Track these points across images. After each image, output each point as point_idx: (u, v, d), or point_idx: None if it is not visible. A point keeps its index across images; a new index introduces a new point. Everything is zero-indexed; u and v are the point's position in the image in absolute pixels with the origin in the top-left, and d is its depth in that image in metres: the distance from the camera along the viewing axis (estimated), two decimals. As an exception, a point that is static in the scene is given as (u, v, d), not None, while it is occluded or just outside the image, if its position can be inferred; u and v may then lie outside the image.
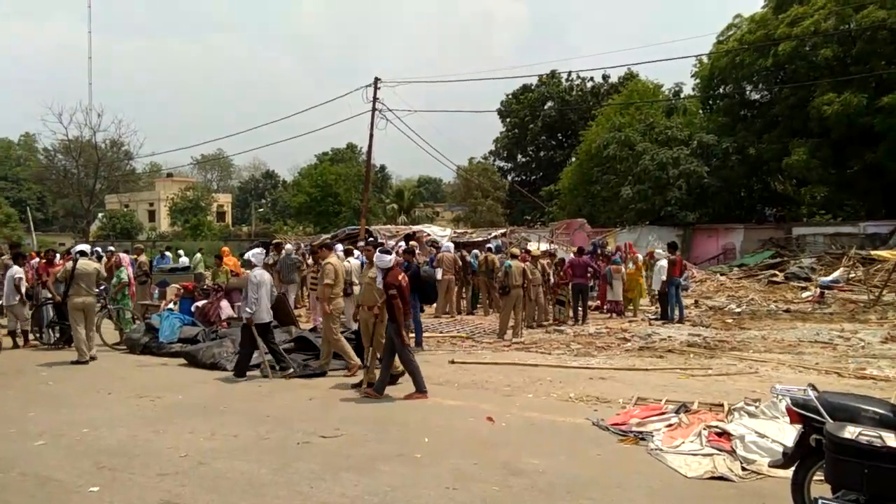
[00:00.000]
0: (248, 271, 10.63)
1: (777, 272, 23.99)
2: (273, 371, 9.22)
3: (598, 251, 20.87)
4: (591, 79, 47.91)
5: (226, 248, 18.40)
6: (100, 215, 55.55)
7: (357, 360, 9.29)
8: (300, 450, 5.96)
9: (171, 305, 13.87)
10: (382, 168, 65.39)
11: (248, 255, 10.75)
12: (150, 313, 12.92)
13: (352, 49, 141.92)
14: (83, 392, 8.50)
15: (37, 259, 15.04)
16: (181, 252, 24.03)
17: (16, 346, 12.10)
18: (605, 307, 16.73)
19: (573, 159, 41.13)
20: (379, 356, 8.41)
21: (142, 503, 4.70)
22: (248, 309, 9.18)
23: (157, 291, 16.92)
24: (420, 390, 8.00)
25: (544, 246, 23.89)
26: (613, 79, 46.34)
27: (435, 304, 15.38)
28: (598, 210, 34.76)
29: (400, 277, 8.20)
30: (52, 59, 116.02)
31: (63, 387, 8.86)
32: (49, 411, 7.41)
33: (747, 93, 32.96)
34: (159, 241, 43.35)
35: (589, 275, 15.50)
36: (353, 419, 6.99)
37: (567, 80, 48.02)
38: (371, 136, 28.07)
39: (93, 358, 10.56)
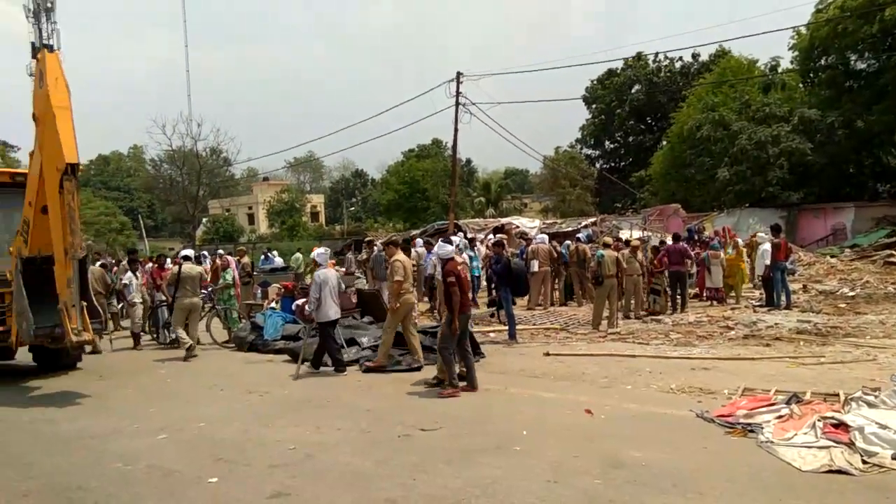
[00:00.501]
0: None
1: (894, 252, 22.36)
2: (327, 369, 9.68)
3: (695, 237, 20.14)
4: (680, 58, 46.18)
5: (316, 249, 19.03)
6: (204, 220, 58.54)
7: (382, 360, 9.48)
8: (401, 443, 6.10)
9: (273, 304, 14.48)
10: (468, 162, 65.46)
11: (313, 254, 11.21)
12: (254, 312, 13.55)
13: (430, 48, 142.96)
14: (198, 388, 9.03)
15: (150, 264, 16.05)
16: (274, 252, 24.95)
17: (135, 346, 12.99)
18: (704, 294, 16.14)
19: (664, 143, 39.81)
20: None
21: (256, 493, 4.95)
22: (307, 307, 9.62)
23: (259, 291, 17.69)
24: (451, 385, 8.01)
25: (637, 233, 23.33)
26: (704, 57, 44.46)
27: (527, 297, 15.33)
28: (692, 194, 33.48)
29: (459, 268, 8.21)
30: (155, 75, 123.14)
31: (179, 384, 9.45)
32: (168, 407, 7.93)
33: (852, 63, 30.71)
34: (259, 243, 45.27)
35: (687, 261, 15.00)
36: (450, 413, 7.07)
37: (654, 61, 46.45)
38: (455, 130, 28.25)
39: (193, 355, 11.29)
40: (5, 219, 10.14)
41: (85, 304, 8.77)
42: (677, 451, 5.53)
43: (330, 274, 9.83)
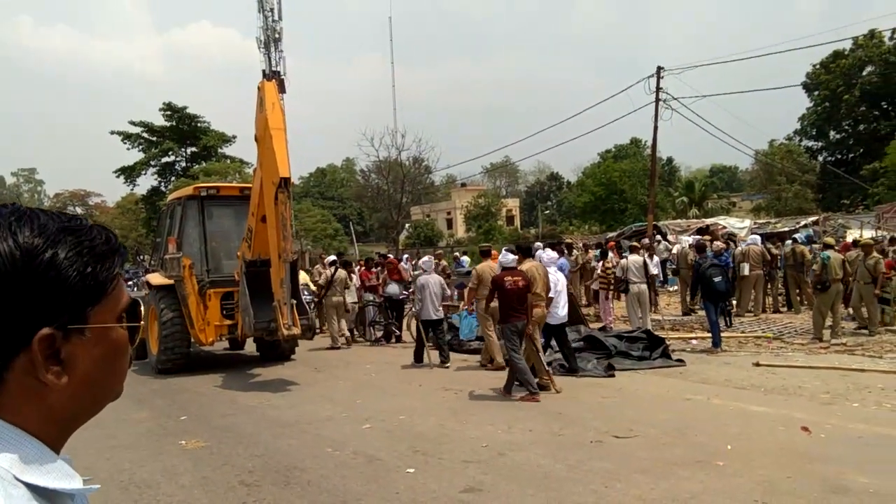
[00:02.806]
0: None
1: None
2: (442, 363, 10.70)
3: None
4: (925, 31, 40.10)
5: (494, 252, 19.31)
6: (406, 226, 61.88)
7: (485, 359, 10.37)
8: (593, 448, 5.97)
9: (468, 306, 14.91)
10: (669, 160, 62.53)
11: (420, 262, 12.16)
12: (450, 313, 14.04)
13: (632, 45, 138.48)
14: (399, 383, 9.55)
15: (358, 267, 17.34)
16: (465, 258, 25.40)
17: (347, 343, 14.10)
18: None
19: (903, 129, 34.89)
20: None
21: (450, 486, 5.12)
22: (413, 308, 11.04)
23: (455, 293, 18.28)
24: (506, 390, 8.24)
25: (868, 233, 20.72)
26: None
27: (735, 302, 14.28)
28: (940, 187, 28.97)
29: (508, 278, 8.15)
30: (365, 93, 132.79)
31: (383, 378, 10.07)
32: (373, 399, 8.49)
33: None
34: (457, 247, 46.81)
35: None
36: (646, 420, 6.79)
37: (891, 38, 40.82)
38: (655, 127, 26.95)
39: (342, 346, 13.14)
40: (237, 227, 11.51)
41: (295, 302, 9.71)
42: (916, 481, 4.81)
43: (431, 279, 10.94)
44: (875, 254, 12.23)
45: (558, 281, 9.30)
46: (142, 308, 0.95)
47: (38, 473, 0.79)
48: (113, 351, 0.88)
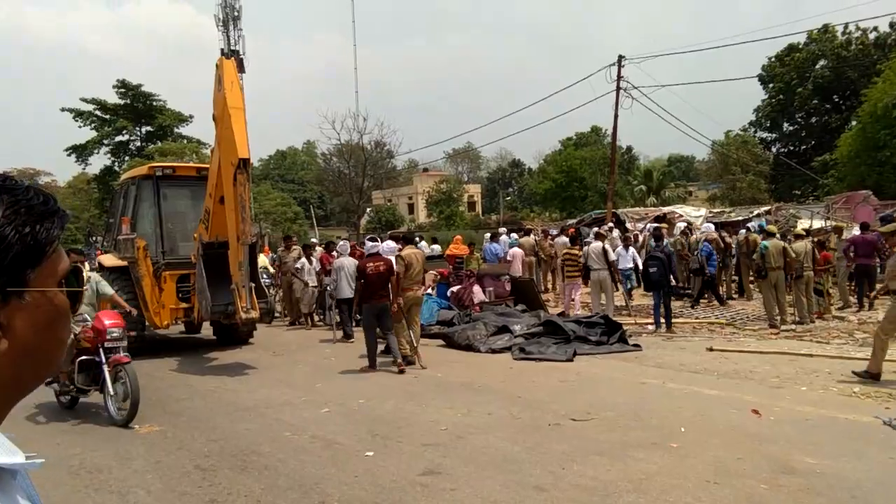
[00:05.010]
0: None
1: None
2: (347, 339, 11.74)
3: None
4: (875, 29, 41.28)
5: (459, 237, 19.37)
6: (368, 210, 61.47)
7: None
8: (551, 431, 6.04)
9: (429, 290, 14.91)
10: (629, 149, 63.24)
11: (338, 247, 13.20)
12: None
13: (592, 32, 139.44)
14: (358, 367, 9.48)
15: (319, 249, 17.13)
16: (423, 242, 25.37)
17: (306, 326, 13.98)
18: (897, 291, 14.29)
19: (853, 123, 35.89)
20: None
21: (409, 469, 5.12)
22: (329, 287, 12.33)
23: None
24: (370, 366, 9.14)
25: (818, 223, 21.34)
26: (905, 24, 39.37)
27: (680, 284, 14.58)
28: (887, 179, 29.86)
29: (370, 264, 8.98)
30: (326, 73, 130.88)
31: (341, 362, 10.01)
32: (331, 383, 8.45)
33: None
34: (418, 232, 46.65)
35: (876, 254, 13.40)
36: (603, 404, 6.89)
37: (844, 33, 41.89)
38: (616, 116, 27.23)
39: None
40: (194, 208, 11.27)
41: (253, 285, 9.58)
42: (859, 461, 4.99)
43: (346, 262, 11.76)
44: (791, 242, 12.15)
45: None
46: (84, 274, 0.91)
47: None
48: (54, 317, 0.84)
